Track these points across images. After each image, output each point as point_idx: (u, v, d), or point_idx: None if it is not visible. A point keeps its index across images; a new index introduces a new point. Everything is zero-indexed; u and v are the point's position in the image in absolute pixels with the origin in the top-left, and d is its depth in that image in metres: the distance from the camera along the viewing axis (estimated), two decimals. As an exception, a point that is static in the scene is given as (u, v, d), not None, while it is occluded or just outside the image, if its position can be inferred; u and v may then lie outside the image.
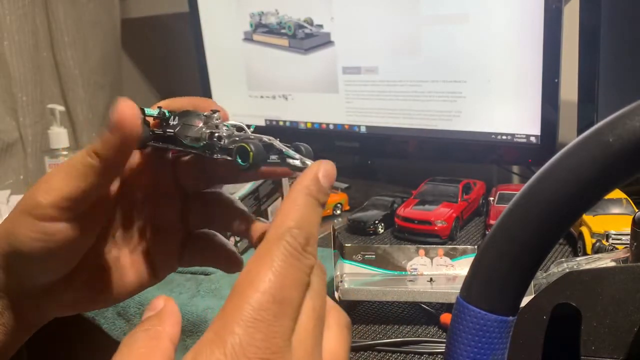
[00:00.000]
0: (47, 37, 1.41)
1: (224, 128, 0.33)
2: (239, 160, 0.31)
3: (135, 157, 0.37)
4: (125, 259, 0.39)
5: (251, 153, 0.31)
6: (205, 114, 0.34)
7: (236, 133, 0.33)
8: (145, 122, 0.35)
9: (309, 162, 0.32)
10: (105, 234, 0.38)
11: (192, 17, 1.27)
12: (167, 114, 0.35)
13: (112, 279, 0.38)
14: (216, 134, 0.33)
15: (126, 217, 0.38)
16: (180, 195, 0.39)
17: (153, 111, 0.35)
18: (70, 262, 0.35)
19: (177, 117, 0.35)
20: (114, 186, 0.36)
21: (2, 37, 1.30)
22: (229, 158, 0.32)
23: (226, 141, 0.32)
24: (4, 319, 0.37)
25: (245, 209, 0.38)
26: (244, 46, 1.21)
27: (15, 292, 0.36)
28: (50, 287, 0.36)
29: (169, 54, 1.67)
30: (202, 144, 0.33)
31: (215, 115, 0.34)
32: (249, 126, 0.34)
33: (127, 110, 0.30)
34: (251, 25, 1.19)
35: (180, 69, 1.62)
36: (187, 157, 0.38)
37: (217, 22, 1.25)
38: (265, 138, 0.32)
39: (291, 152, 0.32)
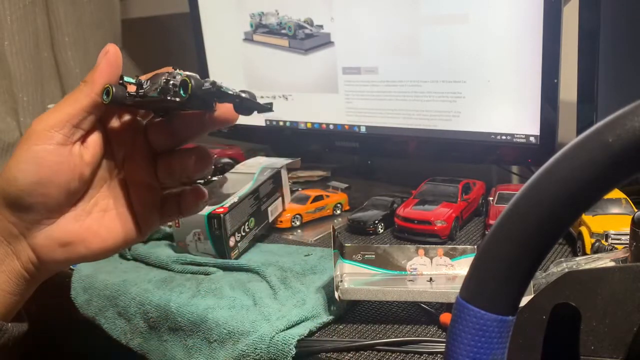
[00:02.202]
0: (48, 37, 1.41)
1: (178, 76, 0.38)
2: (182, 92, 0.37)
3: (115, 121, 0.43)
4: (112, 211, 0.44)
5: (190, 84, 0.36)
6: (168, 72, 0.39)
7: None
8: (123, 85, 0.40)
9: (244, 94, 0.38)
10: (91, 184, 0.43)
11: (193, 17, 1.28)
12: (142, 81, 0.40)
13: (100, 228, 0.43)
14: (171, 81, 0.38)
15: (110, 174, 0.44)
16: (153, 156, 0.44)
17: (131, 79, 0.41)
18: (60, 194, 0.40)
19: (148, 81, 0.40)
20: (97, 140, 0.42)
21: (3, 38, 1.30)
22: (177, 99, 0.37)
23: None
24: (4, 266, 0.41)
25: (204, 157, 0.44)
26: (244, 46, 1.22)
27: (13, 235, 0.41)
28: (45, 230, 0.41)
29: (169, 54, 1.67)
30: (158, 89, 0.38)
31: (177, 70, 0.39)
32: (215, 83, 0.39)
33: (112, 46, 0.41)
34: (251, 26, 1.19)
35: (181, 69, 1.62)
36: (156, 121, 0.43)
37: (218, 22, 1.25)
38: (213, 80, 0.38)
39: (230, 87, 0.38)
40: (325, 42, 1.10)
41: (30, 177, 0.39)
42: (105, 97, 0.39)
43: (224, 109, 0.41)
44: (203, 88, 0.37)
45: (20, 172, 0.39)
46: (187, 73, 0.38)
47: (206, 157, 0.43)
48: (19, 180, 0.39)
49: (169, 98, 0.37)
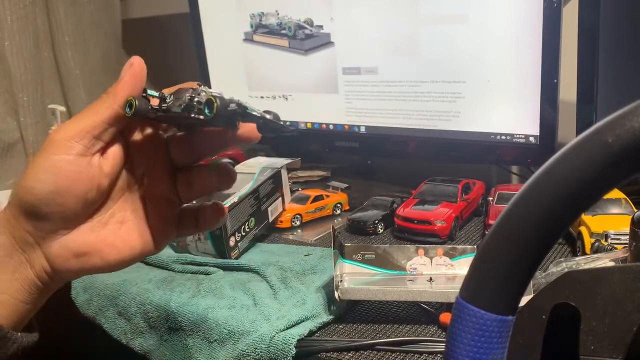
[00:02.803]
0: (48, 37, 1.41)
1: (203, 94, 0.38)
2: (207, 111, 0.37)
3: (137, 134, 0.43)
4: (129, 223, 0.44)
5: (215, 104, 0.36)
6: (192, 88, 0.39)
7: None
8: (146, 99, 0.40)
9: (268, 116, 0.38)
10: (109, 196, 0.43)
11: (193, 17, 1.28)
12: (165, 95, 0.40)
13: (116, 240, 0.43)
14: (195, 99, 0.38)
15: (129, 186, 0.44)
16: (173, 170, 0.44)
17: (154, 92, 0.40)
18: (77, 204, 0.40)
19: (172, 96, 0.40)
20: (118, 152, 0.42)
21: (3, 38, 1.30)
22: (202, 117, 0.37)
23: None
24: (18, 274, 0.41)
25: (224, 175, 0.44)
26: (244, 47, 1.22)
27: (28, 244, 0.40)
28: (60, 240, 0.41)
29: (169, 54, 1.67)
30: (182, 106, 0.38)
31: (201, 87, 0.39)
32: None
33: (137, 59, 0.40)
34: (251, 26, 1.19)
35: (181, 69, 1.62)
36: (178, 135, 0.43)
37: (218, 22, 1.25)
38: (237, 99, 0.38)
39: (254, 107, 0.38)
40: (325, 42, 1.10)
41: (47, 186, 0.39)
42: (127, 109, 0.39)
43: (247, 128, 0.41)
44: (229, 109, 0.37)
45: (38, 181, 0.39)
46: (212, 91, 0.38)
47: (229, 174, 0.43)
48: (36, 189, 0.39)
49: (192, 115, 0.37)
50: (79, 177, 0.39)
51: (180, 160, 0.44)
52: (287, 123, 1.21)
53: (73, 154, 0.39)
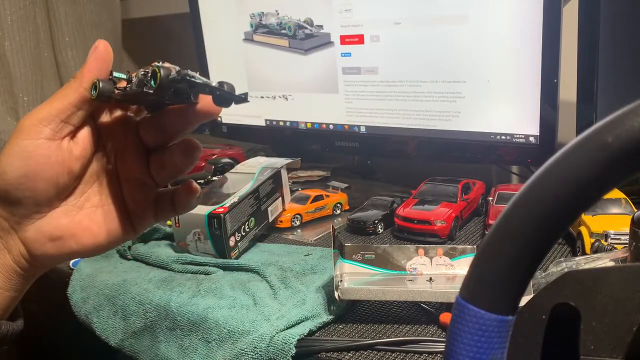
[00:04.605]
0: (48, 37, 1.41)
1: (157, 68, 0.38)
2: (152, 82, 0.37)
3: (106, 117, 0.43)
4: (105, 207, 0.44)
5: (159, 74, 0.36)
6: (151, 66, 0.39)
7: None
8: (113, 81, 0.40)
9: (214, 83, 0.37)
10: (82, 179, 0.43)
11: (193, 17, 1.28)
12: (132, 77, 0.40)
13: (92, 224, 0.43)
14: (149, 74, 0.37)
15: (103, 170, 0.44)
16: (145, 153, 0.44)
17: (122, 75, 0.41)
18: (48, 188, 0.40)
19: (137, 76, 0.40)
20: (87, 135, 0.42)
21: (3, 38, 1.30)
22: (151, 91, 0.37)
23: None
24: None
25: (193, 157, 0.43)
26: (244, 47, 1.22)
27: (4, 229, 0.41)
28: (35, 224, 0.41)
29: (169, 54, 1.67)
30: (137, 82, 0.38)
31: (160, 63, 0.38)
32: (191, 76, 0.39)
33: (102, 42, 0.41)
34: (251, 26, 1.19)
35: (166, 62, 1.62)
36: (147, 117, 0.43)
37: (218, 22, 1.25)
38: (187, 71, 0.38)
39: (202, 78, 0.38)
40: (325, 42, 1.10)
41: (18, 171, 0.39)
42: (93, 92, 0.39)
43: (204, 102, 0.41)
44: (170, 77, 0.37)
45: (8, 166, 0.39)
46: (165, 65, 0.38)
47: (192, 147, 0.43)
48: (7, 174, 0.39)
49: (145, 90, 0.38)
50: (49, 161, 0.40)
51: (151, 142, 0.43)
52: (287, 123, 1.21)
53: (42, 138, 0.39)
